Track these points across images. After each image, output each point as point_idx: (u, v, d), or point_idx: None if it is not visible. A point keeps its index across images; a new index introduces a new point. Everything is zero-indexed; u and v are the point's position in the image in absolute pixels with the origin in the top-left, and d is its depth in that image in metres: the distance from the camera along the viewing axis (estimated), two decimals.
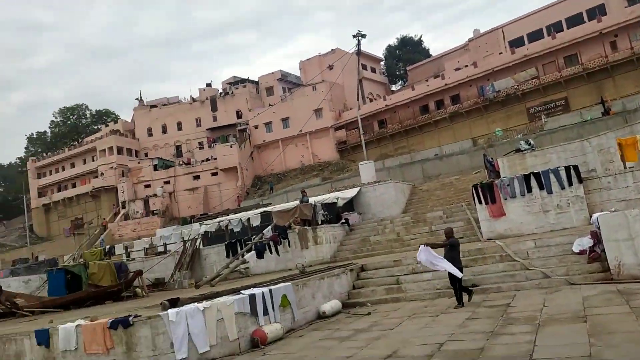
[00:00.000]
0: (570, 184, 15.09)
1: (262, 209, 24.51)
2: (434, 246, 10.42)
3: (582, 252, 11.14)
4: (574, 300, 8.84)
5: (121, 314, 8.94)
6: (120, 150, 57.48)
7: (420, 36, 76.52)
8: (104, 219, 53.24)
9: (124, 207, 52.93)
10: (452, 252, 10.02)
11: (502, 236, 15.18)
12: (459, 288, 10.00)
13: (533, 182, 15.55)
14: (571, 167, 15.39)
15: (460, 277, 9.92)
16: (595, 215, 11.07)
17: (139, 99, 64.33)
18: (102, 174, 56.94)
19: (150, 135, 60.92)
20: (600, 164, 19.12)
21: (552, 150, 21.02)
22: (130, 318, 8.27)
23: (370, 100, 55.88)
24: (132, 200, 53.13)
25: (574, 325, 7.20)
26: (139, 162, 56.87)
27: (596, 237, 10.80)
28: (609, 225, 10.17)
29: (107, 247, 29.60)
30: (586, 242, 11.13)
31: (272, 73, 61.79)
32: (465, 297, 10.10)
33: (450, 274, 10.00)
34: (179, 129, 60.25)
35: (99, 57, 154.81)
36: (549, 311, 8.34)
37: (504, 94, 42.79)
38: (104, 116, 76.85)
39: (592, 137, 20.69)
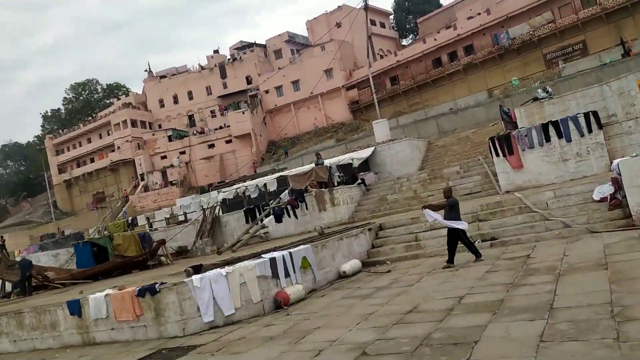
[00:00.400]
0: (590, 131, 14.77)
1: (278, 174, 24.63)
2: (433, 208, 10.34)
3: (602, 200, 11.00)
4: (595, 249, 8.79)
5: (148, 282, 9.22)
6: (134, 123, 57.81)
7: None
8: (125, 189, 54.26)
9: (142, 179, 53.74)
10: (451, 211, 9.89)
11: (520, 188, 15.04)
12: (468, 244, 10.02)
13: (551, 131, 15.26)
14: (590, 114, 15.01)
15: (465, 228, 10.00)
16: (616, 161, 10.83)
17: (148, 70, 64.05)
18: (118, 147, 57.59)
19: (162, 106, 60.96)
20: (621, 108, 18.49)
21: (570, 97, 20.40)
22: (157, 285, 8.52)
23: (381, 57, 54.65)
24: (150, 172, 53.84)
25: (595, 273, 7.18)
26: (153, 134, 57.25)
27: (617, 183, 10.62)
28: (630, 170, 9.96)
29: (130, 218, 30.30)
30: (607, 189, 10.96)
31: (280, 35, 60.65)
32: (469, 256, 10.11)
33: (449, 234, 10.00)
34: (190, 98, 60.10)
35: (104, 30, 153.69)
36: (570, 260, 8.32)
37: (520, 41, 41.38)
38: (115, 90, 76.97)
39: (611, 80, 19.93)
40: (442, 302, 7.25)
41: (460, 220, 9.99)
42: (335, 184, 20.69)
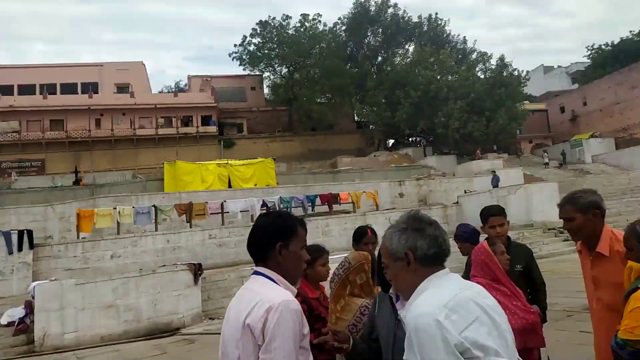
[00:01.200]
0: (20, 249, 14.41)
1: None
2: None
3: (11, 324, 10.46)
4: None
5: None
6: None
7: None
8: None
9: None
10: None
11: None
12: None
13: None
14: (25, 232, 14.79)
15: None
16: (32, 284, 10.81)
17: None
18: None
19: None
20: (59, 231, 19.53)
21: (13, 211, 20.07)
22: None
23: None
24: None
25: None
26: None
27: (30, 306, 10.47)
28: (44, 294, 10.11)
29: None
30: (18, 312, 10.57)
31: None
32: None
33: None
34: None
35: None
36: None
37: None
38: None
39: (57, 203, 21.06)
40: None
41: None
42: None
